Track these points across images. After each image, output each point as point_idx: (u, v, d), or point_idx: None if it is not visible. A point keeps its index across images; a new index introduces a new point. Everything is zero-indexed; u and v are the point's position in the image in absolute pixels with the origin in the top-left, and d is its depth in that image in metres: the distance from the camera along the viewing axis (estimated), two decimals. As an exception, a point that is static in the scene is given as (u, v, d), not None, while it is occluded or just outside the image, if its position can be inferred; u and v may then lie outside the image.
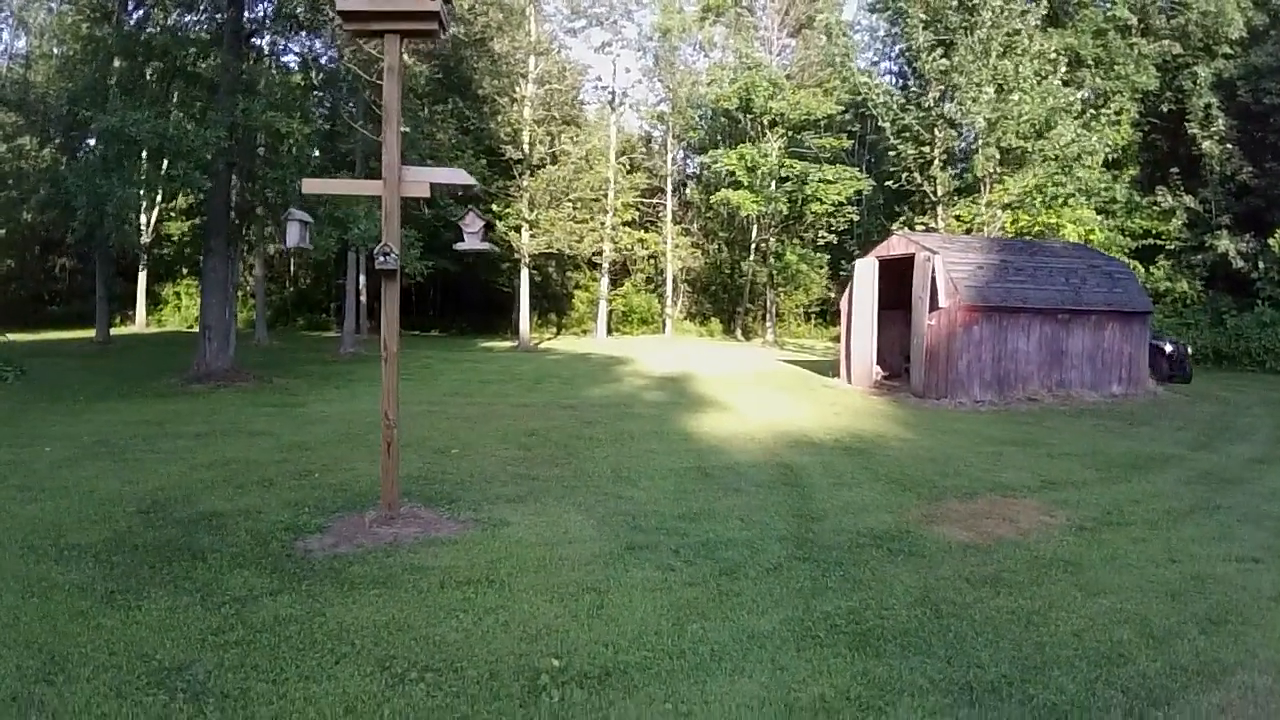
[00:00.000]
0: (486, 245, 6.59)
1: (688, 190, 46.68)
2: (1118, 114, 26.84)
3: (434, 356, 25.09)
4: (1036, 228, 25.50)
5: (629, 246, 39.92)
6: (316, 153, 23.47)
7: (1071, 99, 23.33)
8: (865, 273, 17.66)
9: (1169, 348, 20.00)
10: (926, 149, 26.29)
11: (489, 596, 5.15)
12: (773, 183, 36.32)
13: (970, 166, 25.75)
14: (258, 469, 8.80)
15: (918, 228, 27.29)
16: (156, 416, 12.54)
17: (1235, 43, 28.22)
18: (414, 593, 5.20)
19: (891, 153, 26.98)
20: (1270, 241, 25.91)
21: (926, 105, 25.82)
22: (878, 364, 18.29)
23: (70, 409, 13.13)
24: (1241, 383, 20.99)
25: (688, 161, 49.07)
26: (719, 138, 41.43)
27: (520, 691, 3.96)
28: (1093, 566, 6.03)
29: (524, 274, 32.83)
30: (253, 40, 18.23)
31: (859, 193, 36.55)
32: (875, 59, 41.84)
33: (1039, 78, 23.25)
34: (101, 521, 6.62)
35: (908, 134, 26.04)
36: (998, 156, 23.67)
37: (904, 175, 26.63)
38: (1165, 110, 29.75)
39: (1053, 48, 24.13)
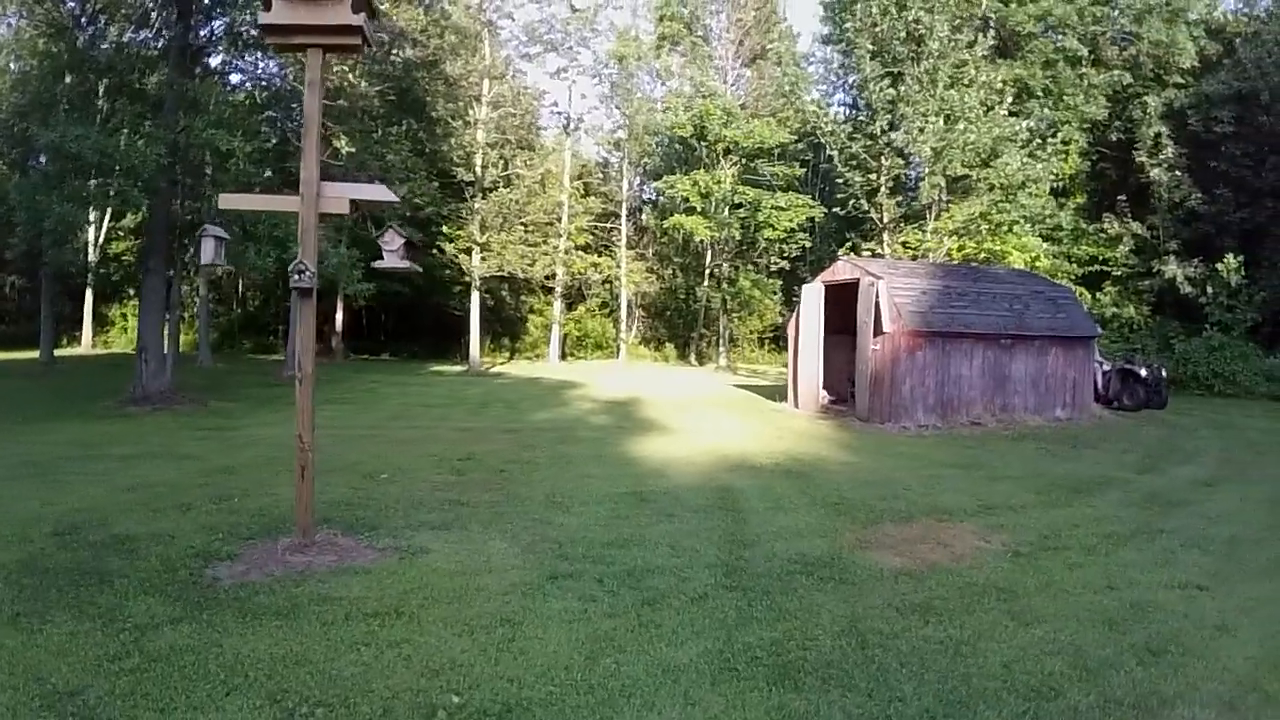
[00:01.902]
0: (407, 263, 6.37)
1: (643, 215, 46.72)
2: (1065, 143, 27.28)
3: (381, 380, 24.70)
4: (982, 254, 25.76)
5: (582, 271, 39.76)
6: (269, 172, 23.11)
7: (1017, 128, 23.64)
8: (811, 298, 17.64)
9: (1143, 372, 19.55)
10: (873, 176, 26.54)
11: (395, 629, 4.91)
12: (726, 209, 36.48)
13: (917, 194, 25.98)
14: (178, 493, 8.56)
15: (864, 253, 27.47)
16: (87, 438, 12.31)
17: (1186, 72, 28.71)
18: (317, 624, 4.98)
19: (839, 180, 27.20)
20: (1219, 266, 26.33)
21: (873, 134, 26.05)
22: (824, 389, 18.23)
23: (2, 430, 12.85)
24: (1190, 405, 21.04)
25: (643, 187, 49.14)
26: (675, 164, 41.57)
27: None
28: (1027, 594, 5.88)
29: (474, 297, 32.50)
30: (203, 58, 17.89)
31: (811, 219, 36.81)
32: (830, 90, 42.49)
33: (985, 108, 23.58)
34: (16, 543, 6.51)
35: (855, 162, 26.26)
36: (943, 184, 23.91)
37: (851, 202, 26.80)
38: (1114, 139, 30.27)
39: (999, 78, 24.50)
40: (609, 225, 42.81)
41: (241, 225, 16.19)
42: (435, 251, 31.90)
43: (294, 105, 23.02)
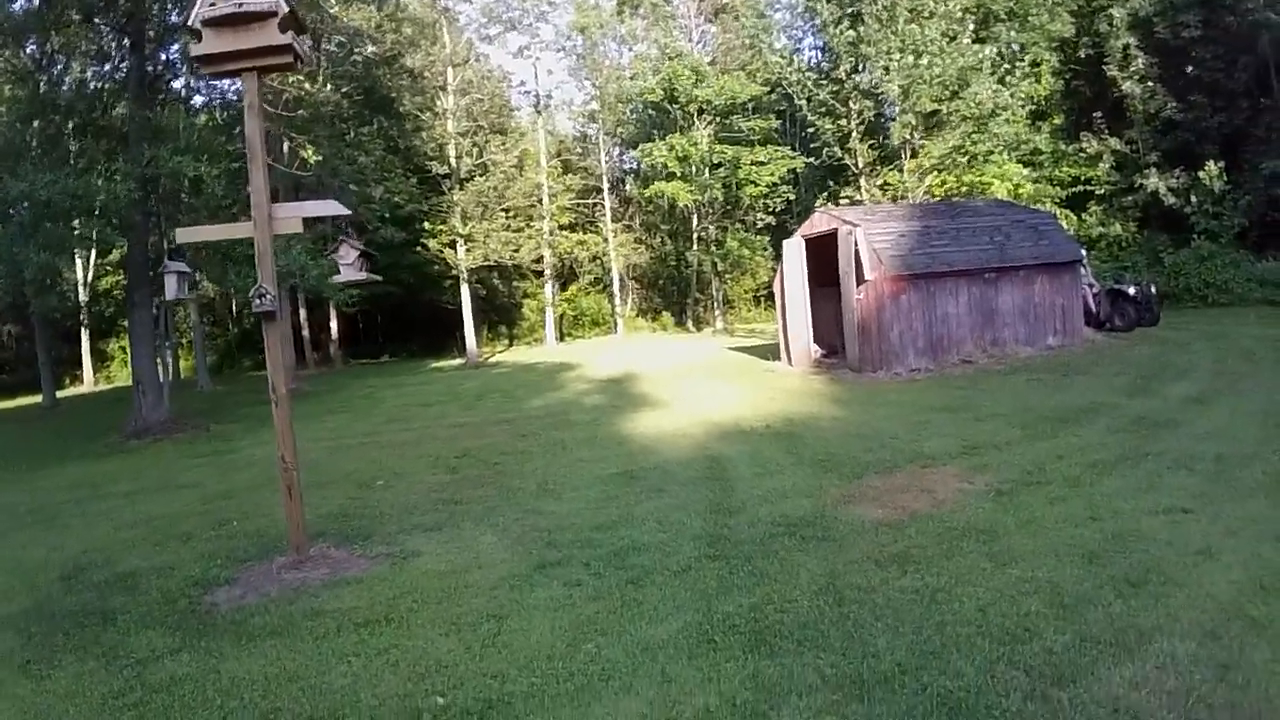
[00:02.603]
0: (365, 275, 6.44)
1: (626, 186, 46.49)
2: (1035, 65, 27.00)
3: (378, 384, 24.83)
4: (964, 188, 25.65)
5: (569, 250, 39.68)
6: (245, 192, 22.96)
7: (981, 56, 23.41)
8: (793, 253, 17.65)
9: (1132, 290, 19.40)
10: (843, 122, 26.36)
11: (384, 636, 5.03)
12: (706, 170, 36.29)
13: (889, 136, 25.79)
14: (179, 523, 8.68)
15: (842, 201, 27.37)
16: (91, 478, 12.42)
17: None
18: (310, 639, 5.10)
19: (809, 129, 27.04)
20: (1200, 174, 26.11)
21: (839, 78, 25.85)
22: (816, 343, 18.26)
23: (6, 478, 13.00)
24: (1183, 319, 20.87)
25: (624, 158, 48.89)
26: (653, 131, 41.32)
27: None
28: (1006, 533, 5.89)
29: (464, 289, 32.50)
30: (163, 86, 17.83)
31: (793, 171, 36.61)
32: (800, 35, 42.02)
33: (948, 38, 23.35)
34: (25, 591, 6.63)
35: (824, 109, 26.08)
36: (914, 122, 23.76)
37: (825, 150, 26.66)
38: (1084, 56, 29.97)
39: (959, 6, 24.19)
40: (592, 201, 42.68)
41: (219, 249, 16.20)
42: (419, 248, 31.87)
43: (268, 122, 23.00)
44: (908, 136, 24.24)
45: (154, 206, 16.78)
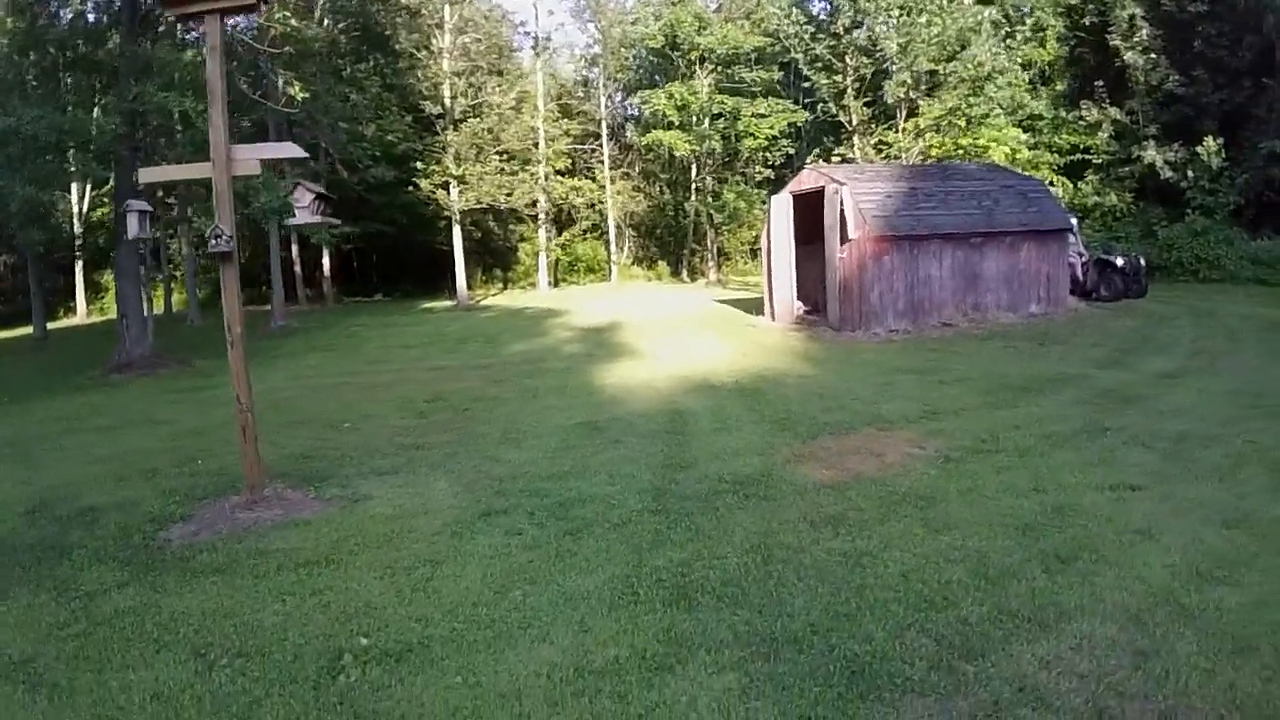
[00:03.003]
0: (319, 218, 6.46)
1: (628, 133, 45.96)
2: (1040, 29, 26.62)
3: (367, 323, 24.80)
4: (960, 151, 25.44)
5: (563, 195, 39.39)
6: (246, 122, 22.80)
7: (981, 17, 23.09)
8: (780, 208, 17.58)
9: (1120, 261, 19.20)
10: (839, 78, 26.06)
11: (321, 577, 5.14)
12: (705, 120, 35.90)
13: (884, 94, 25.52)
14: (148, 459, 8.77)
15: (834, 159, 27.14)
16: (71, 412, 12.50)
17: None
18: (250, 578, 5.21)
19: (805, 83, 26.76)
20: (1199, 150, 25.92)
21: (837, 33, 25.51)
22: (800, 300, 18.28)
23: (-11, 411, 13.06)
24: (1174, 294, 20.73)
25: (625, 104, 48.28)
26: (657, 77, 40.76)
27: (317, 673, 3.98)
28: (946, 500, 5.93)
29: (456, 231, 32.31)
30: (156, 23, 17.59)
31: (793, 125, 36.24)
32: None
33: (949, -1, 23.07)
34: None
35: (820, 64, 25.77)
36: (910, 82, 23.49)
37: (819, 106, 26.40)
38: (1089, 23, 29.56)
39: (961, -36, 23.84)
40: (590, 147, 42.28)
41: (205, 185, 16.16)
42: (410, 189, 31.66)
43: (251, 59, 22.71)
44: (902, 95, 23.97)
45: (142, 141, 16.69)
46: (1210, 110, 26.88)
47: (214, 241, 6.32)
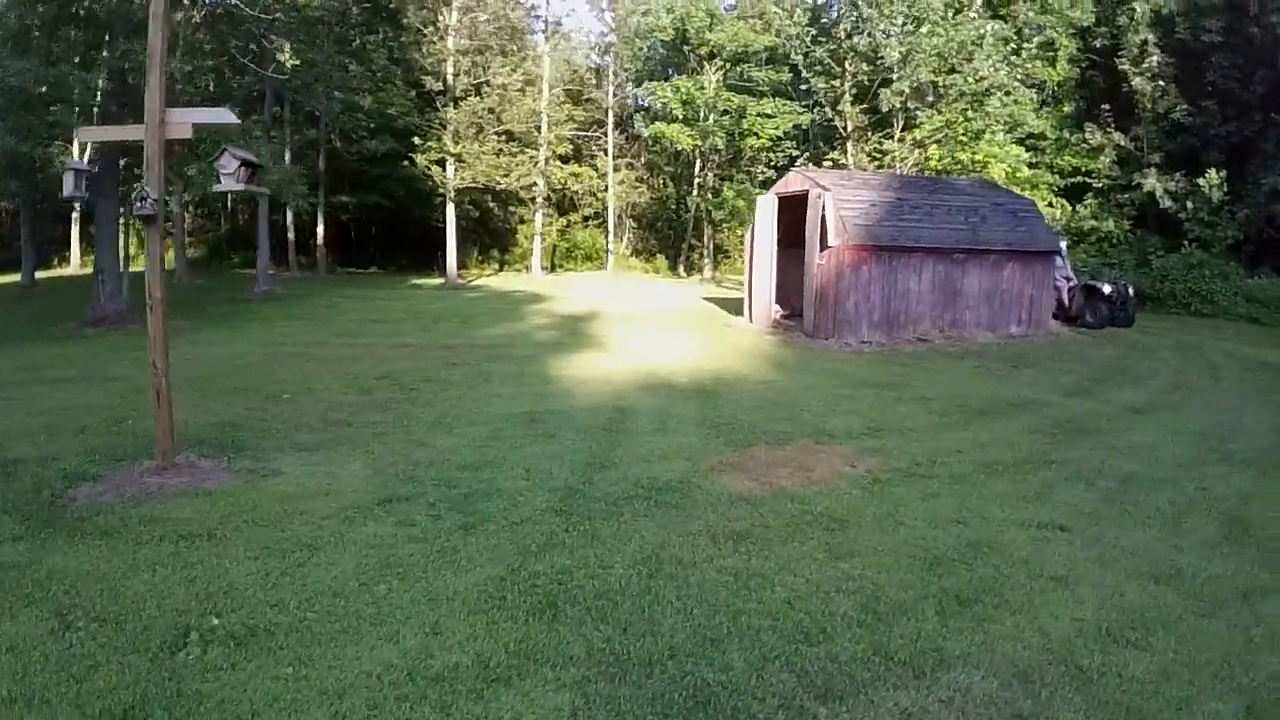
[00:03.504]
0: (244, 185, 6.27)
1: (636, 123, 45.66)
2: (1050, 48, 26.31)
3: (349, 295, 24.62)
4: (958, 165, 25.19)
5: (562, 181, 39.14)
6: (236, 86, 22.60)
7: (983, 31, 22.81)
8: (765, 210, 17.37)
9: (1107, 288, 18.89)
10: (837, 83, 25.80)
11: (198, 551, 5.05)
12: (710, 116, 35.66)
13: (879, 102, 25.25)
14: (85, 415, 8.71)
15: (826, 164, 26.88)
16: (36, 362, 12.54)
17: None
18: (132, 545, 5.14)
19: (803, 87, 26.53)
20: (1200, 181, 25.63)
21: (838, 37, 25.25)
22: (779, 303, 18.09)
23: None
24: (1162, 325, 20.42)
25: (636, 95, 47.99)
26: (669, 70, 40.47)
27: (159, 647, 3.92)
28: (859, 524, 5.70)
29: (450, 209, 32.07)
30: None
31: (798, 127, 36.00)
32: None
33: (954, 9, 22.74)
34: None
35: (819, 67, 25.52)
36: (907, 91, 23.22)
37: (816, 109, 26.17)
38: (1099, 46, 29.26)
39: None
40: (595, 135, 42.02)
41: (186, 145, 16.04)
42: (406, 163, 31.47)
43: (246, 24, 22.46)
44: (897, 104, 23.70)
45: (127, 100, 16.55)
46: (1216, 142, 26.58)
47: (139, 204, 6.17)
